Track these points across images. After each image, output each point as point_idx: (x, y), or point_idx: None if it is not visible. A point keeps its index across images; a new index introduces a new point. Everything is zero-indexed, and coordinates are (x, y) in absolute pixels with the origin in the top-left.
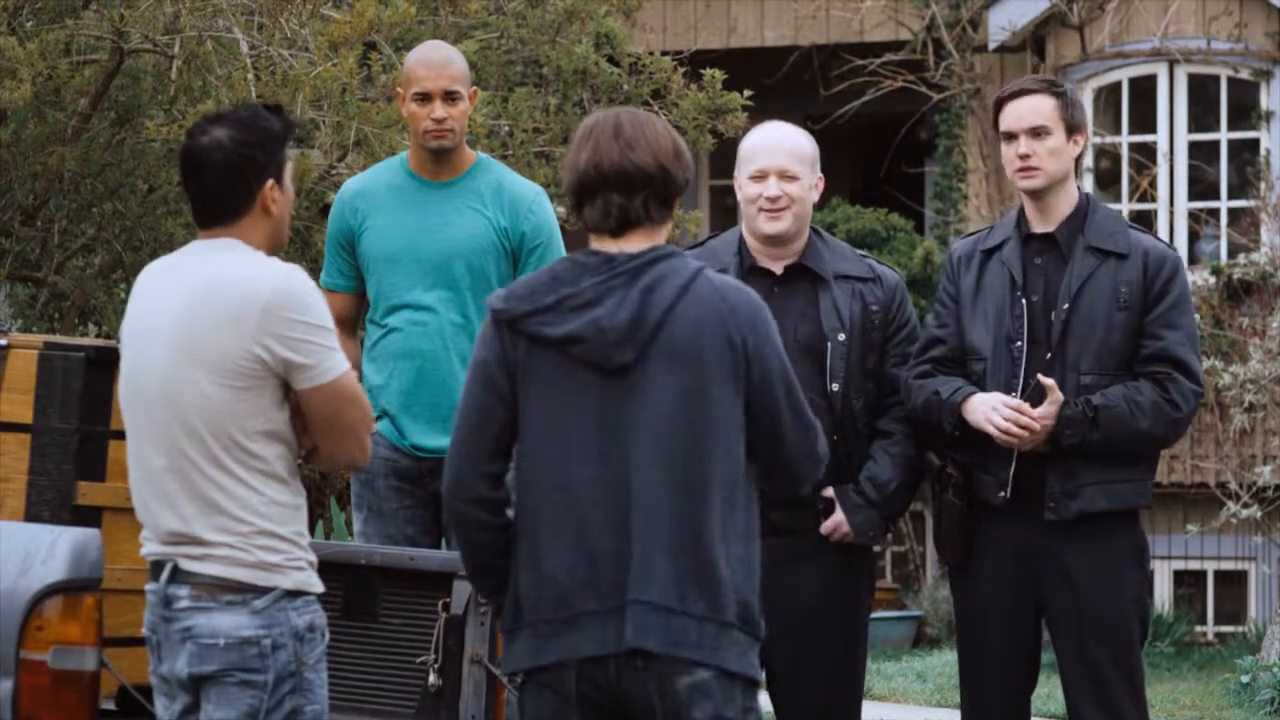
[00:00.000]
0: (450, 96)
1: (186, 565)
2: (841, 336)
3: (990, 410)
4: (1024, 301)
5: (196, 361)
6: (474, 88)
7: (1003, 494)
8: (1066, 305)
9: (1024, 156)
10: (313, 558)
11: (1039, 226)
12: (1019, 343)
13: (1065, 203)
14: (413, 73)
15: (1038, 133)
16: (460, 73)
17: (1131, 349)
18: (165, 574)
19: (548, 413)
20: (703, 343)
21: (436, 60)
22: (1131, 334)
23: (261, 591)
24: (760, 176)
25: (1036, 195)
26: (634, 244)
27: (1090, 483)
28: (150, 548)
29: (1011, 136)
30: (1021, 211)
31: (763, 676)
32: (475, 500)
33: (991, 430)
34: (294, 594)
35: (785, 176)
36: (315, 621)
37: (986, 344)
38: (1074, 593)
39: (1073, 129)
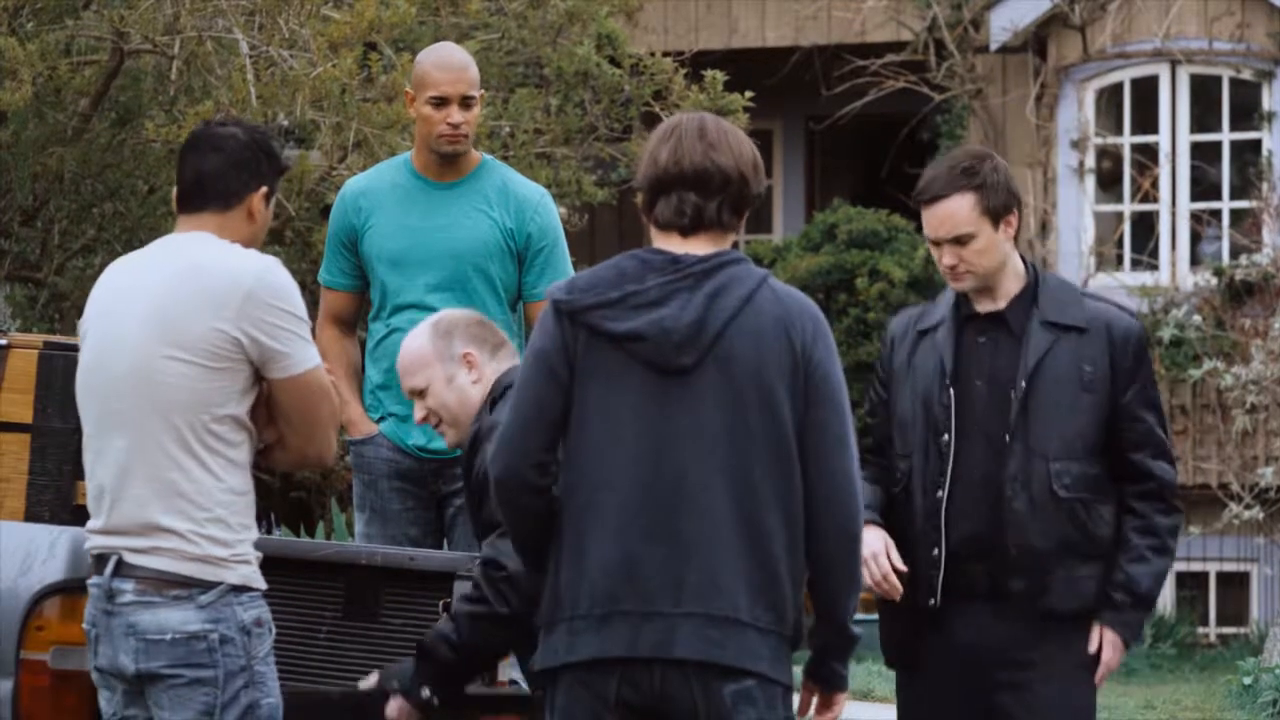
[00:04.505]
0: (467, 102)
1: (131, 559)
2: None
3: (869, 556)
4: (951, 390)
5: (172, 340)
6: (482, 90)
7: (932, 601)
8: (1024, 384)
9: (951, 267)
10: (256, 553)
11: (984, 307)
12: (946, 436)
13: (1011, 283)
14: (429, 76)
15: (960, 240)
16: (476, 77)
17: (1101, 433)
18: (109, 567)
19: (601, 408)
20: (763, 352)
21: (454, 64)
22: (1100, 417)
23: (207, 586)
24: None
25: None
26: (701, 246)
27: (1057, 575)
28: (95, 540)
29: (935, 242)
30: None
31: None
32: (527, 488)
33: (868, 581)
34: (239, 589)
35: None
36: (261, 616)
37: (914, 437)
38: (1026, 700)
39: (999, 216)
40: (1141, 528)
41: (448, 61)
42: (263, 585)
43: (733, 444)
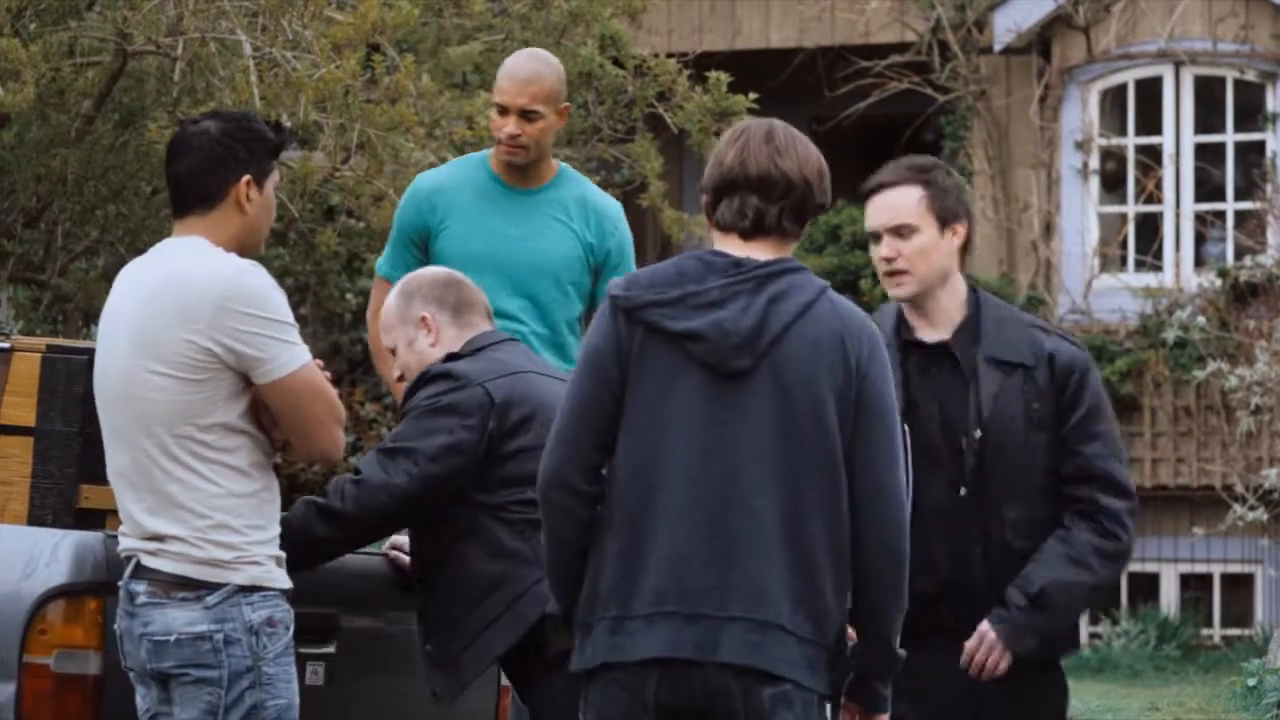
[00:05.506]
0: (528, 115)
1: (146, 561)
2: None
3: None
4: (906, 426)
5: (151, 355)
6: (565, 104)
7: None
8: (979, 433)
9: (888, 260)
10: (274, 552)
11: (926, 334)
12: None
13: (952, 305)
14: (498, 82)
15: (900, 231)
16: (544, 90)
17: (1055, 474)
18: (129, 570)
19: (653, 407)
20: (818, 362)
21: (522, 75)
22: (1052, 456)
23: (213, 588)
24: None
25: (914, 301)
26: (762, 251)
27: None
28: (124, 543)
29: (875, 236)
30: (901, 312)
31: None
32: (571, 490)
33: None
34: (249, 589)
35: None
36: (274, 616)
37: None
38: None
39: (947, 220)
40: (1060, 537)
41: (516, 71)
42: (280, 585)
43: (783, 450)
